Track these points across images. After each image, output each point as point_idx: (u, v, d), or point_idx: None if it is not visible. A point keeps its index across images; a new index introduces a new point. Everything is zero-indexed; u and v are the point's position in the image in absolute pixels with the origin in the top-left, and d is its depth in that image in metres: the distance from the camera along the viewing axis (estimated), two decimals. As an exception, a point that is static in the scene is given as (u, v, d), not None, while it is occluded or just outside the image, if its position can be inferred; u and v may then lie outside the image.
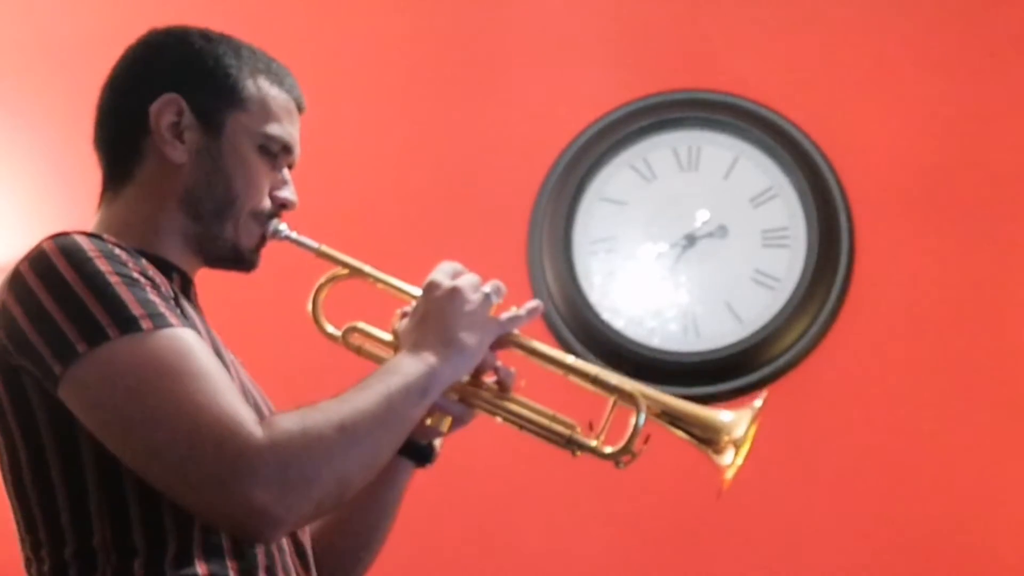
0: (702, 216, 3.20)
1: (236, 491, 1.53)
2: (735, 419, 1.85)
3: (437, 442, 1.95)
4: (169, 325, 1.58)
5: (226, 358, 1.72)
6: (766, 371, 3.14)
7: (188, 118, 1.76)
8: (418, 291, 1.84)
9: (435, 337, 1.75)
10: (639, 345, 3.16)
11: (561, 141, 3.24)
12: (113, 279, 1.59)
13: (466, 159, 3.27)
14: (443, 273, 1.82)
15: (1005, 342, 3.11)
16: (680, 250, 3.20)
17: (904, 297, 3.15)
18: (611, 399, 1.85)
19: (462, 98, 3.28)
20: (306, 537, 1.80)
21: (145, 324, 1.57)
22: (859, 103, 3.21)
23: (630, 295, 3.20)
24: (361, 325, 1.92)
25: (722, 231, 3.20)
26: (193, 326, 1.66)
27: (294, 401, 1.85)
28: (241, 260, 1.81)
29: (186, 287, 1.79)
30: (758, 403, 1.87)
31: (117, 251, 1.63)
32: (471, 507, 3.14)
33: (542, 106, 3.27)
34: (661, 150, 3.23)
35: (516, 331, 1.85)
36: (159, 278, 1.66)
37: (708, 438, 1.85)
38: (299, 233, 1.85)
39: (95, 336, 1.56)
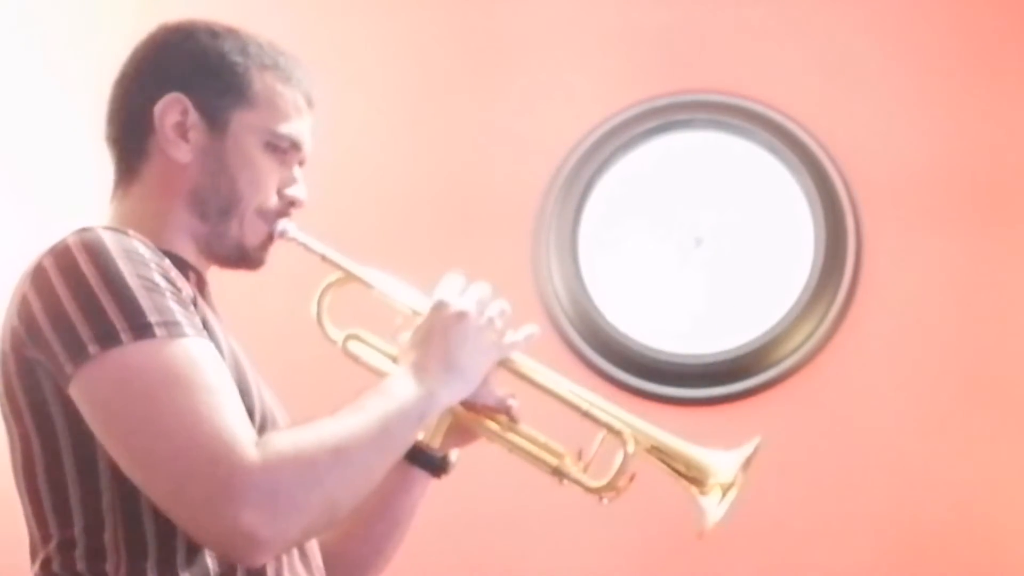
0: (709, 218, 3.20)
1: (225, 512, 1.52)
2: (726, 461, 1.84)
3: (453, 453, 1.94)
4: (184, 335, 1.58)
5: (242, 360, 1.71)
6: (773, 373, 3.13)
7: (193, 117, 1.76)
8: (415, 303, 1.84)
9: (437, 360, 1.73)
10: (645, 347, 3.15)
11: (568, 142, 3.23)
12: (133, 282, 1.58)
13: (472, 160, 3.26)
14: (452, 290, 1.81)
15: (1012, 343, 3.11)
16: (687, 252, 3.19)
17: (911, 298, 3.14)
18: (601, 431, 1.84)
19: (468, 99, 3.27)
20: (311, 542, 1.79)
21: (159, 332, 1.57)
22: (866, 105, 3.20)
23: (637, 297, 3.19)
24: (361, 333, 1.91)
25: (729, 233, 3.19)
26: (211, 332, 1.66)
27: (299, 399, 1.85)
28: (246, 259, 1.81)
29: (202, 286, 1.79)
30: (750, 448, 1.84)
31: (142, 250, 1.62)
32: (472, 519, 3.11)
33: (549, 107, 3.26)
34: (668, 151, 3.22)
35: (514, 356, 1.84)
36: (180, 281, 1.65)
37: (695, 477, 1.83)
38: (307, 235, 1.84)
39: (108, 339, 1.56)
